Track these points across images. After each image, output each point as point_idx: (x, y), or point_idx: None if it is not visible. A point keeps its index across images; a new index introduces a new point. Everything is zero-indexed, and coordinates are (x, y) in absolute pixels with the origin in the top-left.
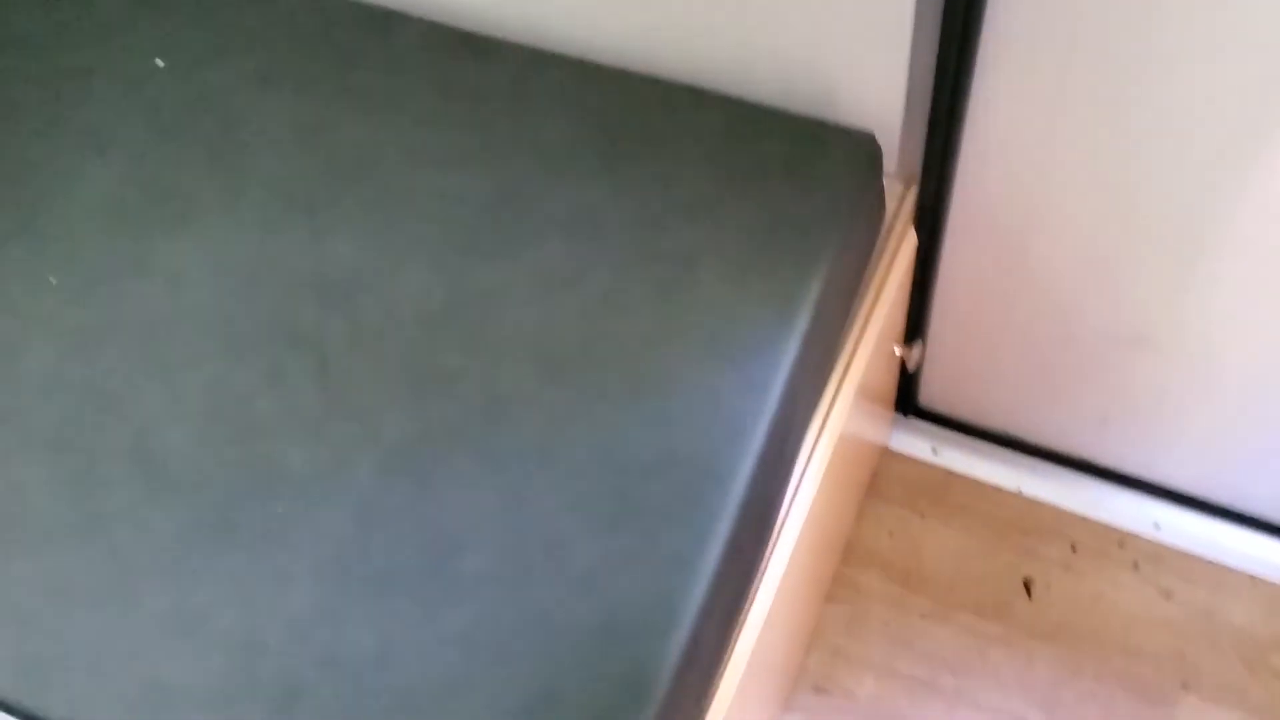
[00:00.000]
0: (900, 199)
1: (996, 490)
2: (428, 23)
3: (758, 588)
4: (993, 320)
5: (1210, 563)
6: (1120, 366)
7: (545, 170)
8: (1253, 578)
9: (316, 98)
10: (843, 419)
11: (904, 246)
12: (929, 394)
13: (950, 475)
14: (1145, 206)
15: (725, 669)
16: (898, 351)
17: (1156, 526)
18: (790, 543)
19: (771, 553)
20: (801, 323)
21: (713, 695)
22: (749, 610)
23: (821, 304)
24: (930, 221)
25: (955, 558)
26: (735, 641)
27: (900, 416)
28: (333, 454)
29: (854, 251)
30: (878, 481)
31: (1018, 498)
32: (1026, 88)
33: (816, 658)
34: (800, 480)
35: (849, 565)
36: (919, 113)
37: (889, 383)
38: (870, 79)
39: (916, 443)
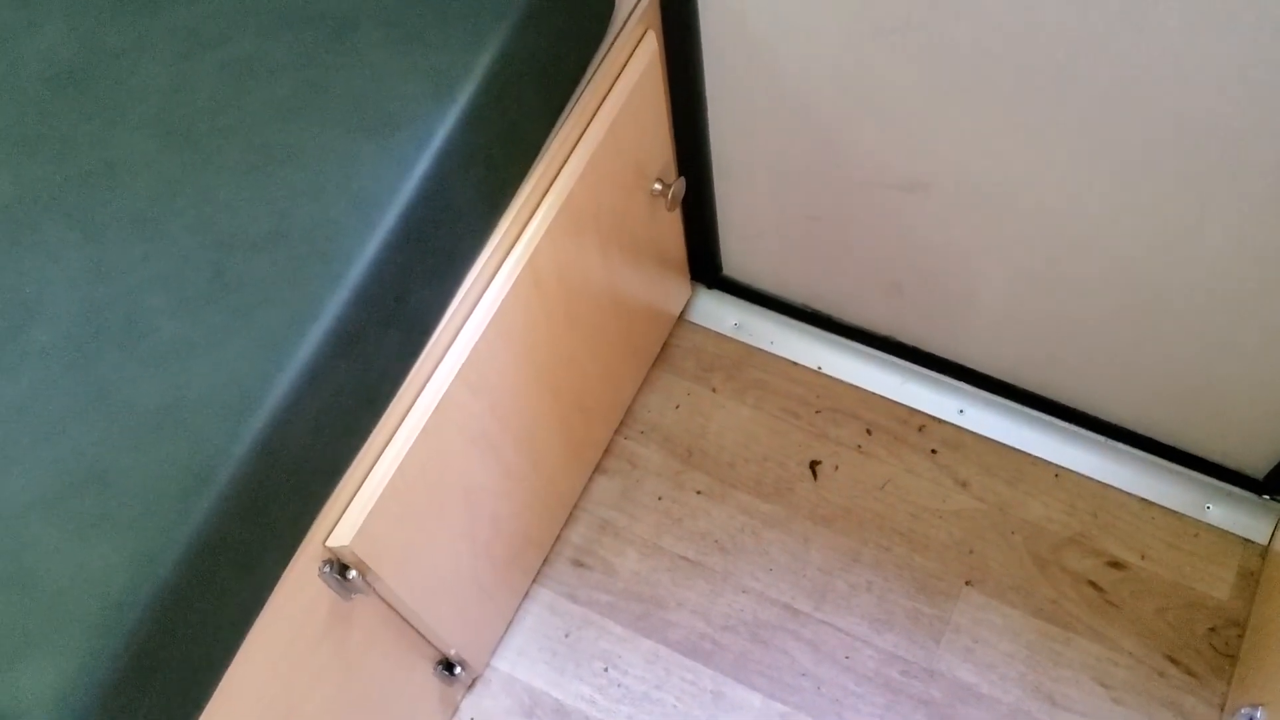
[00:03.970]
0: None
1: (795, 367)
2: None
3: (411, 405)
4: (770, 166)
5: (1015, 452)
6: (899, 216)
7: None
8: (1058, 472)
9: None
10: (539, 233)
11: (641, 49)
12: (732, 265)
13: (750, 350)
14: (894, 20)
15: (360, 486)
16: (657, 187)
17: (961, 412)
18: (456, 362)
19: (434, 371)
20: (462, 100)
21: (327, 502)
22: (399, 428)
23: (493, 85)
24: (678, 28)
25: (743, 435)
26: (376, 459)
27: (703, 289)
28: None
29: (551, 34)
30: (671, 353)
31: (818, 376)
32: None
33: (579, 530)
34: (481, 294)
35: (629, 438)
36: None
37: (655, 232)
38: None
39: (719, 316)
